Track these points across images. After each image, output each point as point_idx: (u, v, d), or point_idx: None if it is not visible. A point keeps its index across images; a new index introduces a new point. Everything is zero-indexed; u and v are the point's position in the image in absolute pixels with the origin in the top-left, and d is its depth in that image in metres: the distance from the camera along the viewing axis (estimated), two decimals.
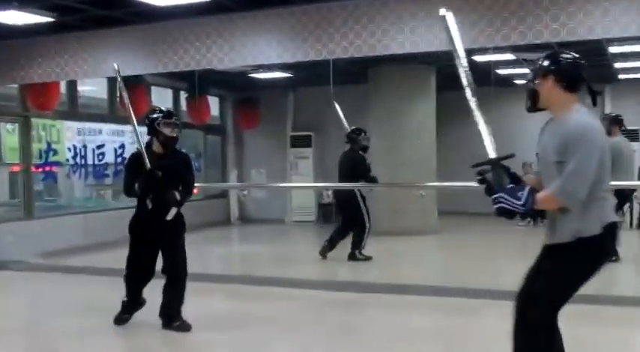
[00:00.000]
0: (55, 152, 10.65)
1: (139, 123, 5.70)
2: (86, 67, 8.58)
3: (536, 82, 3.32)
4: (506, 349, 3.34)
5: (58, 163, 10.79)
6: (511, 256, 9.71)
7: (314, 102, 13.61)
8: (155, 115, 5.44)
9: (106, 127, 11.16)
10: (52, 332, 5.72)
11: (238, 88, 13.92)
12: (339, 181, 8.98)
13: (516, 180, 3.29)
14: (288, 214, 14.06)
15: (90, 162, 10.96)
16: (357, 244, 8.80)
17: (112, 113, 11.24)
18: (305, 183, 13.46)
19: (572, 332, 3.44)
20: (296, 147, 13.94)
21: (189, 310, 5.48)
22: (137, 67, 8.38)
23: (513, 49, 9.15)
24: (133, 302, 5.60)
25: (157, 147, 5.43)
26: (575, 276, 3.25)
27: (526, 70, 11.66)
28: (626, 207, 11.70)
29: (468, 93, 3.35)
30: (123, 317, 5.59)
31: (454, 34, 3.43)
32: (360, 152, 8.94)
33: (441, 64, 10.99)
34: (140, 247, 5.42)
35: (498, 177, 3.21)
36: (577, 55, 3.34)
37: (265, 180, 14.05)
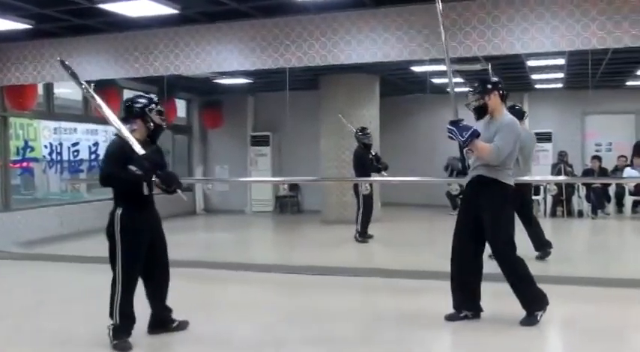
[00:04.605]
0: (32, 149, 10.28)
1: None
2: (62, 71, 8.30)
3: (486, 97, 4.49)
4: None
5: (34, 159, 10.41)
6: (444, 239, 9.78)
7: (272, 106, 13.49)
8: (145, 101, 4.31)
9: (81, 126, 10.84)
10: (41, 314, 5.38)
11: (203, 92, 13.70)
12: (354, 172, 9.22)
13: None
14: (249, 205, 13.94)
15: (65, 158, 10.63)
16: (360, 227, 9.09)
17: (86, 113, 10.93)
18: (263, 178, 13.37)
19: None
20: (255, 146, 13.85)
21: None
22: (110, 72, 8.16)
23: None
24: (130, 319, 4.23)
25: (140, 134, 4.27)
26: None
27: (458, 80, 11.79)
28: (540, 197, 11.94)
29: None
30: (127, 345, 4.14)
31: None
32: (361, 147, 9.23)
33: (384, 73, 11.01)
34: (140, 248, 4.28)
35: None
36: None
37: (228, 175, 13.97)
